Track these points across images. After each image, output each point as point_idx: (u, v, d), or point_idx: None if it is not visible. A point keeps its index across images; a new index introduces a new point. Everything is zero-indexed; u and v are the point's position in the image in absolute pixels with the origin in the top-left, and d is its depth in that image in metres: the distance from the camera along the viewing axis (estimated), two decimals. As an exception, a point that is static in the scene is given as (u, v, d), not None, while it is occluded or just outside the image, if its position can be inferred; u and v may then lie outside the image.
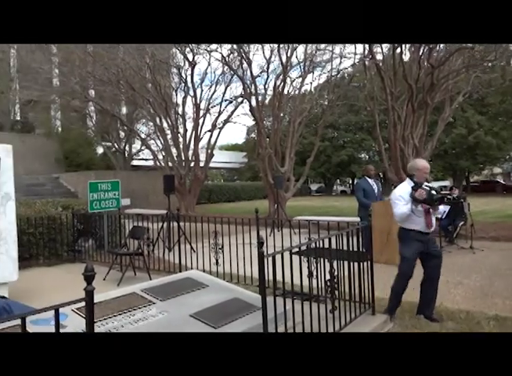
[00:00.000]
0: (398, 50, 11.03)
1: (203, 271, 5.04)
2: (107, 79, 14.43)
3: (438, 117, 13.99)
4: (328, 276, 3.42)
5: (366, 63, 13.22)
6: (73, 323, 3.08)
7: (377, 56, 12.20)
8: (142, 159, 22.87)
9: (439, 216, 8.53)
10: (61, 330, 1.95)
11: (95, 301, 1.97)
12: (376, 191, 7.27)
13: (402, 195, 4.00)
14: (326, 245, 3.36)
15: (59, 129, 22.44)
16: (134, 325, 3.15)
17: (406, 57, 12.12)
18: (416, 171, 4.06)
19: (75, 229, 7.79)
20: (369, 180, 7.32)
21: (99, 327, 3.00)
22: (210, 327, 3.16)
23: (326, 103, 17.59)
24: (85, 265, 1.85)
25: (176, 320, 3.27)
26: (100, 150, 22.82)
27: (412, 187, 3.97)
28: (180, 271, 5.68)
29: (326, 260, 3.40)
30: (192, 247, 6.71)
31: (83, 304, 1.85)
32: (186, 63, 15.45)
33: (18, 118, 21.64)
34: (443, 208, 8.54)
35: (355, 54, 14.39)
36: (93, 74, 14.74)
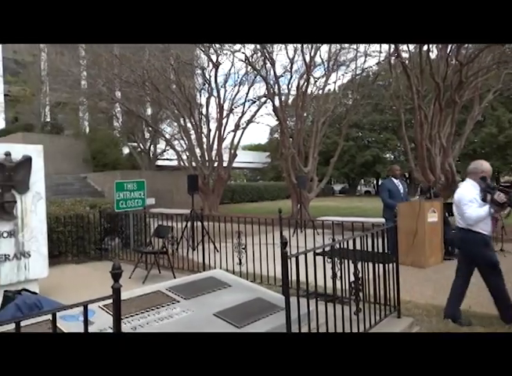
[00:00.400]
0: (425, 48, 10.79)
1: (227, 270, 5.06)
2: (133, 81, 14.71)
3: (467, 115, 13.61)
4: (352, 278, 3.38)
5: (392, 61, 12.99)
6: (100, 319, 3.15)
7: (403, 54, 11.97)
8: (167, 159, 23.19)
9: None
10: (88, 327, 1.99)
11: (121, 298, 2.00)
12: (401, 191, 7.14)
13: (475, 197, 3.88)
14: (351, 246, 3.32)
15: (87, 130, 23.03)
16: (159, 323, 3.20)
17: (433, 55, 11.84)
18: (481, 173, 3.93)
19: (102, 227, 7.96)
20: (395, 180, 7.19)
21: (125, 324, 3.06)
22: (233, 326, 3.17)
23: (350, 102, 17.39)
24: (113, 264, 1.89)
25: (200, 319, 3.30)
26: (126, 151, 23.28)
27: (485, 189, 3.83)
28: (203, 270, 5.73)
29: (350, 261, 3.36)
30: (215, 247, 6.76)
31: (110, 301, 1.89)
32: (210, 63, 15.58)
33: (48, 120, 22.31)
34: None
35: (380, 52, 14.17)
36: (119, 76, 15.05)
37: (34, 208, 4.99)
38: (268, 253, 5.28)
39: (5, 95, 22.75)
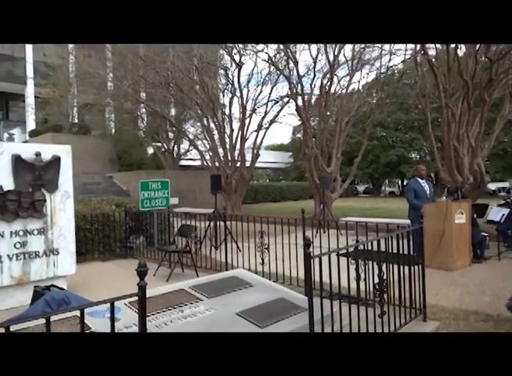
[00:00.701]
0: (453, 45, 10.52)
1: (249, 270, 5.08)
2: (158, 82, 14.93)
3: (497, 114, 13.17)
4: (377, 280, 3.33)
5: (418, 59, 12.72)
6: (126, 316, 3.21)
7: (430, 52, 11.71)
8: (190, 159, 23.43)
9: (497, 219, 8.05)
10: (114, 323, 2.02)
11: (146, 296, 2.04)
12: (427, 192, 6.98)
13: None
14: (375, 247, 3.28)
15: (113, 131, 23.51)
16: (182, 321, 3.24)
17: (461, 52, 11.53)
18: None
19: (127, 226, 8.12)
20: (420, 181, 7.04)
21: (150, 322, 3.11)
22: (256, 326, 3.18)
23: (375, 101, 17.13)
24: (139, 262, 1.93)
25: (223, 318, 3.32)
26: (150, 151, 23.64)
27: None
28: (226, 269, 5.76)
29: (374, 263, 3.31)
30: (238, 246, 6.79)
31: (135, 298, 1.93)
32: (233, 64, 15.65)
33: (76, 121, 22.88)
34: (501, 211, 8.05)
35: (406, 50, 13.90)
36: (144, 78, 15.31)
37: (62, 207, 5.14)
38: (290, 253, 5.26)
39: (35, 97, 23.47)
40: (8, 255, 4.64)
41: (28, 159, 4.78)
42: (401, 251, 3.60)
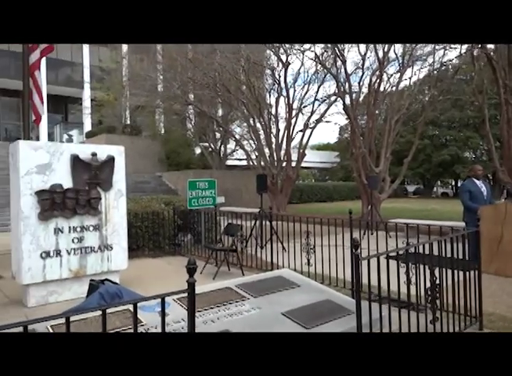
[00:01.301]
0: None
1: (294, 270, 5.05)
2: (205, 83, 15.23)
3: None
4: (428, 284, 3.20)
5: (475, 53, 12.06)
6: (175, 312, 3.31)
7: (488, 45, 11.07)
8: (236, 159, 23.73)
9: None
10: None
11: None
12: (484, 193, 6.60)
13: None
14: (427, 251, 3.15)
15: (162, 131, 24.30)
16: (228, 319, 3.28)
17: (524, 44, 10.80)
18: None
19: (175, 224, 8.36)
20: (476, 181, 6.67)
21: (197, 318, 3.18)
22: (301, 326, 3.16)
23: (427, 98, 16.44)
24: (188, 259, 1.97)
25: (268, 317, 3.33)
26: (198, 151, 24.19)
27: None
28: (272, 269, 5.77)
29: (426, 267, 3.18)
30: (283, 246, 6.78)
31: (184, 294, 1.97)
32: (280, 63, 15.64)
33: (128, 122, 23.90)
34: None
35: (462, 44, 13.20)
36: (193, 79, 15.67)
37: (116, 204, 5.38)
38: (337, 254, 5.18)
39: (91, 100, 24.79)
40: (66, 250, 4.93)
41: (85, 159, 5.04)
42: (455, 256, 3.43)
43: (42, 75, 6.18)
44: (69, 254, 4.95)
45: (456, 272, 3.42)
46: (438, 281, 3.24)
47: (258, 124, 16.33)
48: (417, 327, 2.92)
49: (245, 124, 19.01)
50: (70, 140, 25.13)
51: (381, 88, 14.45)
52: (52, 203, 4.78)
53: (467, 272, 3.60)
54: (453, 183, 38.54)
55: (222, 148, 23.31)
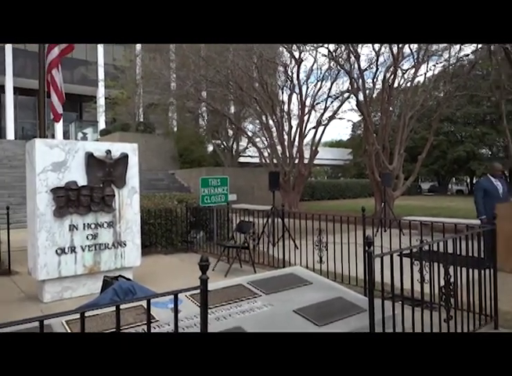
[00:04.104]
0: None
1: (306, 268, 5.04)
2: (218, 81, 15.24)
3: None
4: (442, 283, 3.16)
5: (492, 47, 11.82)
6: (187, 308, 3.33)
7: (505, 39, 10.83)
8: (249, 156, 23.72)
9: None
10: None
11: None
12: (500, 191, 6.48)
13: None
14: (441, 249, 3.10)
15: (175, 129, 24.43)
16: (240, 315, 3.29)
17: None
18: None
19: (188, 221, 8.41)
20: (492, 179, 6.55)
21: (210, 315, 3.19)
22: (313, 324, 3.15)
23: (442, 94, 16.18)
24: (201, 256, 1.98)
25: (280, 314, 3.33)
26: (210, 148, 24.26)
27: None
28: (283, 266, 5.77)
29: (440, 265, 3.14)
30: (295, 244, 6.76)
31: (197, 291, 1.99)
32: (293, 60, 15.56)
33: (141, 120, 24.08)
34: None
35: (477, 44, 12.94)
36: (206, 77, 15.70)
37: (129, 202, 5.43)
38: (349, 252, 5.15)
39: (105, 98, 25.05)
40: (81, 246, 5.00)
41: (99, 156, 5.10)
42: (470, 254, 3.38)
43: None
44: (83, 250, 5.02)
45: (470, 270, 3.37)
46: (452, 279, 3.19)
47: (271, 122, 16.29)
48: (431, 325, 2.89)
49: (257, 122, 18.98)
50: (84, 138, 25.45)
51: (395, 84, 14.28)
52: (67, 200, 4.85)
53: (482, 271, 3.54)
54: (468, 180, 37.92)
55: (234, 145, 23.33)
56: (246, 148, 23.51)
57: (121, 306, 1.88)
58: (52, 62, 6.12)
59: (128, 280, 4.55)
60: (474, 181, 32.10)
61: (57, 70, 6.21)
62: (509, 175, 27.91)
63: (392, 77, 13.77)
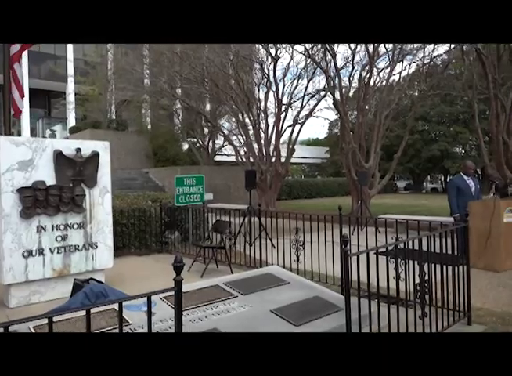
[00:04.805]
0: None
1: (284, 267, 5.07)
2: (193, 77, 15.13)
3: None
4: (417, 280, 3.24)
5: (464, 48, 12.19)
6: (161, 310, 3.29)
7: (477, 40, 11.18)
8: (225, 154, 23.63)
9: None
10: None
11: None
12: (472, 189, 6.69)
13: None
14: (416, 246, 3.18)
15: (149, 126, 24.11)
16: (216, 317, 3.28)
17: (513, 39, 10.94)
18: None
19: (162, 221, 8.31)
20: (465, 177, 6.76)
21: (185, 317, 3.17)
22: (290, 324, 3.17)
23: (417, 93, 16.56)
24: (175, 257, 1.96)
25: (257, 315, 3.33)
26: (185, 146, 24.05)
27: None
28: (260, 266, 5.78)
29: (415, 262, 3.22)
30: (272, 243, 6.79)
31: (171, 293, 1.96)
32: (269, 57, 15.60)
33: (113, 117, 23.64)
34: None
35: (452, 44, 13.31)
36: (180, 73, 15.56)
37: (101, 202, 5.32)
38: (326, 251, 5.21)
39: (75, 94, 24.44)
40: (50, 248, 4.87)
41: (69, 155, 4.97)
42: (444, 251, 3.47)
43: (24, 69, 6.07)
44: (52, 252, 4.89)
45: (444, 267, 3.47)
46: (426, 277, 3.28)
47: (247, 120, 16.29)
48: (406, 322, 2.95)
49: (234, 120, 18.95)
50: (53, 136, 24.78)
51: (371, 83, 14.53)
52: (35, 200, 4.71)
53: (456, 268, 3.65)
54: (442, 178, 39.00)
55: (210, 144, 23.20)
56: (223, 146, 23.41)
57: (93, 310, 1.84)
58: (14, 56, 5.93)
59: (100, 282, 4.46)
60: (448, 179, 33.05)
61: (19, 64, 6.02)
62: (481, 173, 28.86)
63: (368, 75, 14.01)
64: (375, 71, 14.56)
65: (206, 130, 23.04)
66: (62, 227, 4.97)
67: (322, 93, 16.73)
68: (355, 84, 15.47)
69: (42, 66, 25.52)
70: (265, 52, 15.56)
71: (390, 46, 14.32)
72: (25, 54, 6.35)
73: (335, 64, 13.82)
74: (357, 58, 14.93)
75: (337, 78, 14.08)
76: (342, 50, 25.31)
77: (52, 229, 4.90)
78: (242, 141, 17.76)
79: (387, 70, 14.72)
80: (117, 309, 1.89)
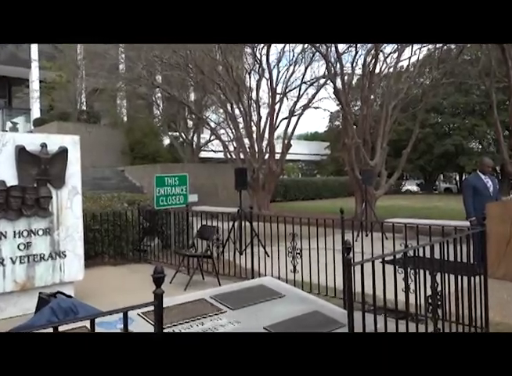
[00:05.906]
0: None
1: (279, 278, 5.08)
2: (175, 63, 15.10)
3: None
4: (429, 292, 3.26)
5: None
6: (139, 328, 3.28)
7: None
8: (212, 150, 23.63)
9: None
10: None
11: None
12: (490, 189, 6.77)
13: None
14: (428, 254, 3.21)
15: (125, 119, 24.02)
16: (202, 335, 3.27)
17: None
18: None
19: (141, 226, 8.28)
20: (482, 176, 6.84)
21: (166, 335, 3.16)
22: (286, 342, 3.18)
23: (428, 81, 16.71)
24: (155, 267, 1.95)
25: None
26: (167, 141, 24.00)
27: None
28: (252, 277, 5.79)
29: (426, 272, 3.24)
30: (265, 251, 6.80)
31: (150, 308, 1.96)
32: (261, 40, 15.65)
33: (84, 108, 23.50)
34: None
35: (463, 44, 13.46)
36: (160, 58, 15.51)
37: (69, 204, 5.29)
38: (327, 259, 5.23)
39: (40, 81, 24.23)
40: (11, 258, 4.83)
41: (33, 151, 4.94)
42: (459, 259, 3.51)
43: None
44: (14, 262, 4.85)
45: (459, 277, 3.50)
46: (439, 288, 3.30)
47: (237, 111, 16.31)
48: (417, 340, 2.98)
49: (222, 111, 18.95)
50: (14, 129, 24.59)
51: (377, 70, 14.62)
52: (-7, 203, 4.67)
53: (472, 278, 3.69)
54: (457, 177, 39.38)
55: (195, 138, 23.19)
56: (209, 141, 23.41)
57: (60, 328, 1.83)
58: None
59: (69, 297, 4.44)
60: (463, 178, 33.38)
61: None
62: (500, 171, 29.18)
63: (373, 61, 14.09)
64: (381, 56, 14.67)
65: (190, 123, 23.02)
66: (25, 234, 4.93)
67: (322, 81, 16.83)
68: (358, 70, 15.55)
69: (2, 49, 25.29)
70: (257, 34, 15.58)
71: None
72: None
73: (336, 48, 13.87)
74: (361, 41, 15.01)
75: (338, 64, 14.14)
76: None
77: (14, 236, 4.86)
78: (231, 135, 17.78)
79: (395, 55, 14.84)
80: (89, 327, 1.88)
